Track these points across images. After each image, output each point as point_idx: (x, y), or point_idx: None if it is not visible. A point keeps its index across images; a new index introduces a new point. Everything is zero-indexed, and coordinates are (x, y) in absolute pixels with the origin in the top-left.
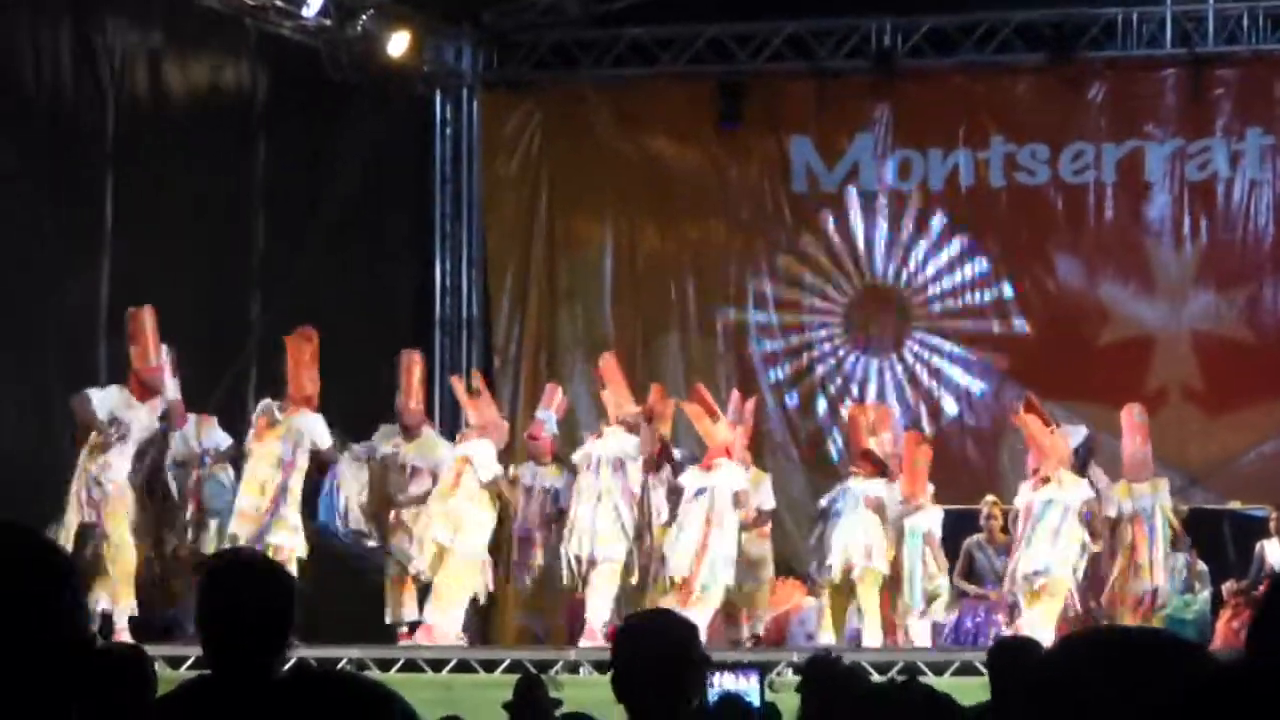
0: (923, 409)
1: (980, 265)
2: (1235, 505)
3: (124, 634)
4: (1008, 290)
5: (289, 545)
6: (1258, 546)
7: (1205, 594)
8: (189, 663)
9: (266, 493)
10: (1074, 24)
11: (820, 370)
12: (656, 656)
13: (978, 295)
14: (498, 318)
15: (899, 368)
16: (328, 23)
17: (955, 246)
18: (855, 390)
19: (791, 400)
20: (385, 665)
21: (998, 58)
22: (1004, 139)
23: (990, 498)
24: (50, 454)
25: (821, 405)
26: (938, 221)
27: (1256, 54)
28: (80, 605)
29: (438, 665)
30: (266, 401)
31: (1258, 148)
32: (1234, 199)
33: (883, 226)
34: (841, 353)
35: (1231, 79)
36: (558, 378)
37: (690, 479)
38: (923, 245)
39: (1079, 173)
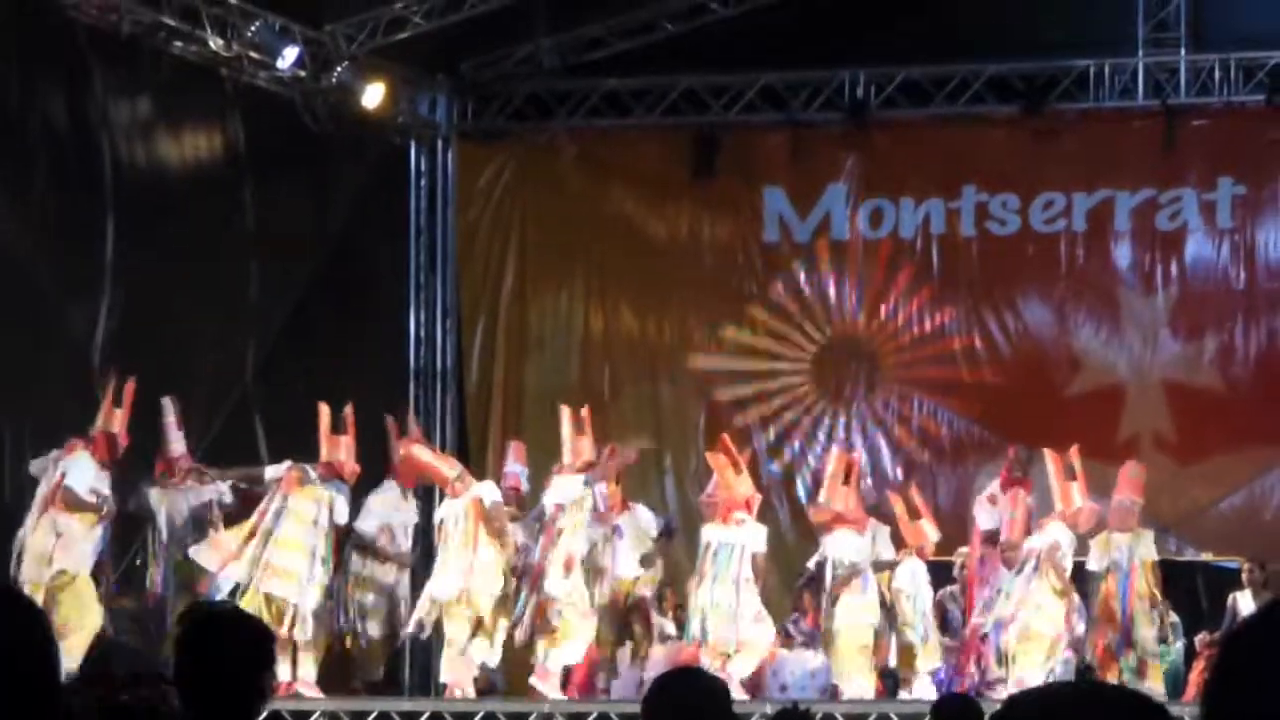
0: (892, 458)
1: (951, 314)
2: (1208, 557)
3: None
4: (978, 339)
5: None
6: (1230, 598)
7: (1178, 646)
8: None
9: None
10: (1047, 76)
11: (789, 417)
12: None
13: (948, 344)
14: (469, 367)
15: (869, 416)
16: (303, 74)
17: (926, 295)
18: (823, 438)
19: (760, 447)
20: (358, 718)
21: (970, 109)
22: (975, 188)
23: (964, 549)
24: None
25: (789, 453)
26: (908, 270)
27: (1229, 105)
28: (58, 657)
29: (412, 718)
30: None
31: (1229, 198)
32: (1205, 249)
33: (854, 275)
34: (811, 401)
35: (1204, 130)
36: (525, 428)
37: (711, 533)
38: (893, 294)
39: (1050, 222)
